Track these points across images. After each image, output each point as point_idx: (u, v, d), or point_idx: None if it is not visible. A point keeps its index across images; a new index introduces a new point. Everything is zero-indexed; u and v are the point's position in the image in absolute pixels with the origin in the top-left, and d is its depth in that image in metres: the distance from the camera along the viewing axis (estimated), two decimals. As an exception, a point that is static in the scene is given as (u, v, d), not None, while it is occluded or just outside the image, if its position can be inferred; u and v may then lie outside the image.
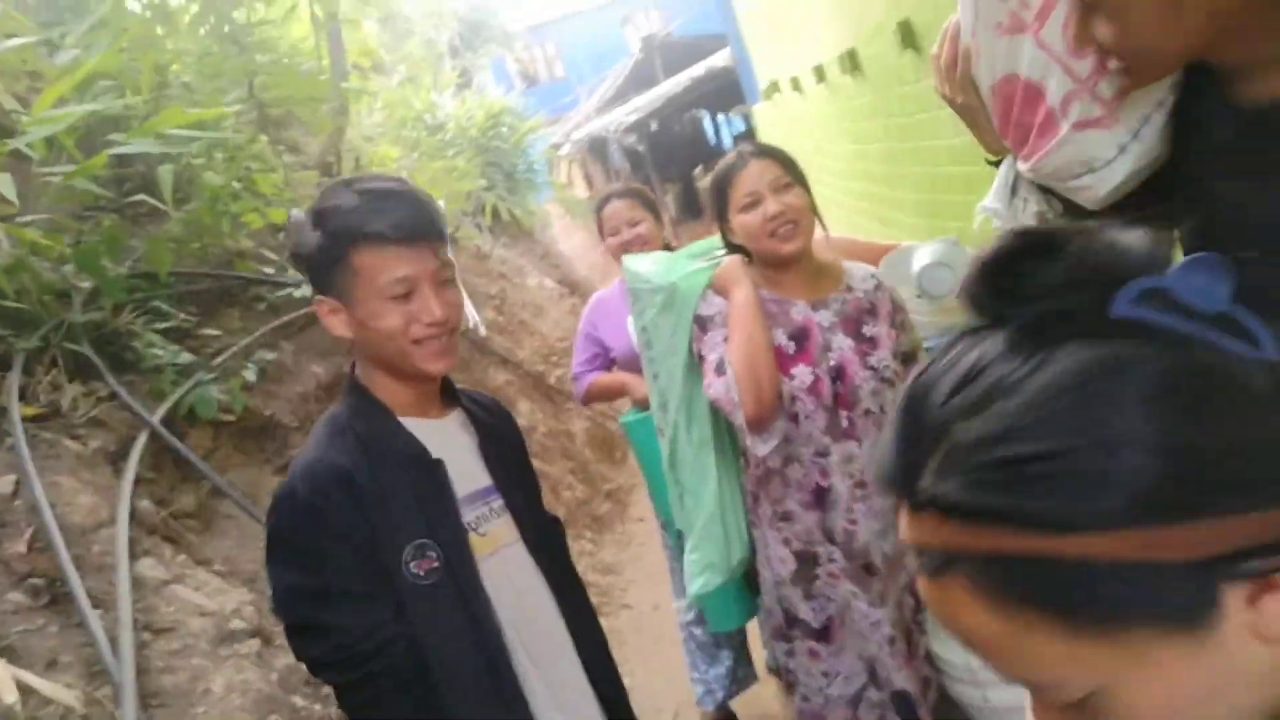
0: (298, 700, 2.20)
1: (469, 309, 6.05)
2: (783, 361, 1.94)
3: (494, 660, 1.43)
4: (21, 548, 2.10)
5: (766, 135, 10.04)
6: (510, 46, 19.49)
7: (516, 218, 9.70)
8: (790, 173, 1.93)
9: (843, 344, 1.97)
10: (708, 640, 2.83)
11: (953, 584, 0.49)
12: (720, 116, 17.49)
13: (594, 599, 4.42)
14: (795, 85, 7.34)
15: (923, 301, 2.37)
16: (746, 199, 1.92)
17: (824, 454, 1.96)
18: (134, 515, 2.43)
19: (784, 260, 1.96)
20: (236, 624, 2.27)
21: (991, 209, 1.52)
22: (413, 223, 1.37)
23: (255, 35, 4.25)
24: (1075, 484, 0.45)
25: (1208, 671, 0.47)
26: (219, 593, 2.39)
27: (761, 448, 1.94)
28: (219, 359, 3.44)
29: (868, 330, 2.00)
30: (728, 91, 12.80)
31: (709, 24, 15.19)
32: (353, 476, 1.35)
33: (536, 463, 2.37)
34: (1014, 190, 1.47)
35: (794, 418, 1.95)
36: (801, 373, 1.94)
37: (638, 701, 3.46)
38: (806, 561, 2.04)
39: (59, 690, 1.80)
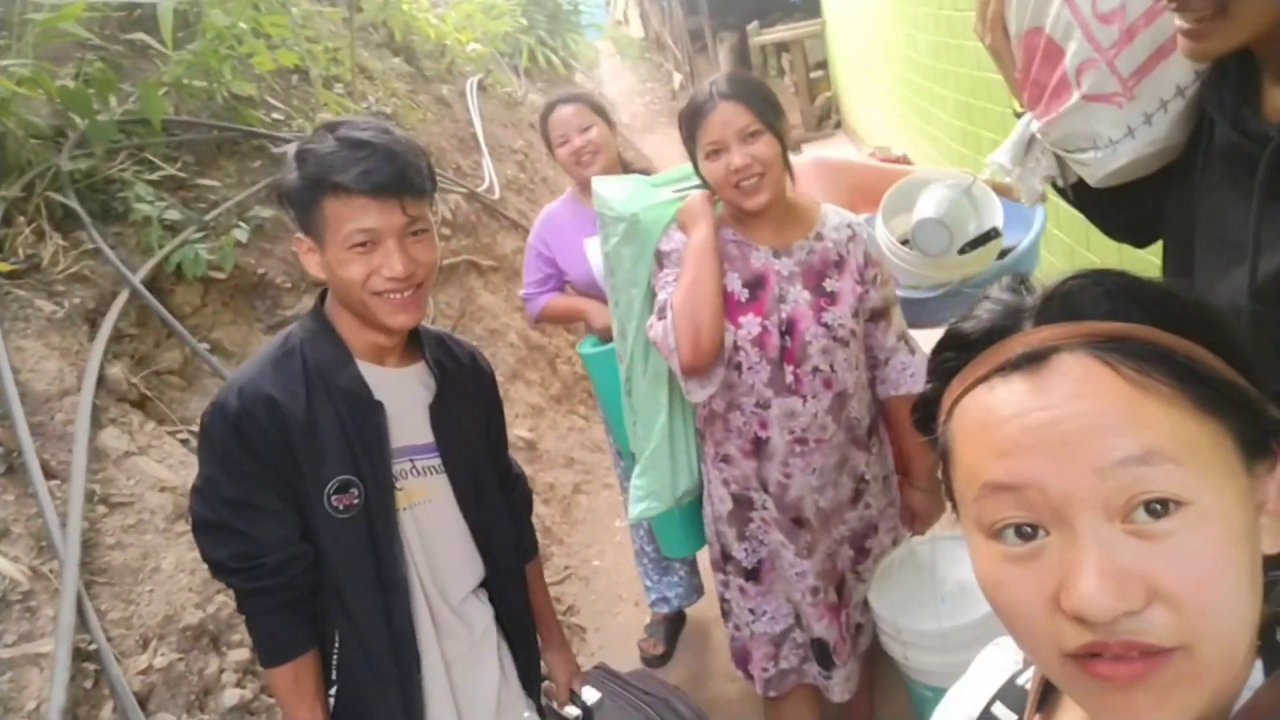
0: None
1: (486, 167, 5.91)
2: (732, 309, 1.88)
3: (389, 601, 1.49)
4: (-17, 413, 2.14)
5: (827, -5, 9.44)
6: None
7: (554, 63, 9.32)
8: (762, 118, 1.78)
9: (799, 296, 1.89)
10: (658, 556, 2.88)
11: (1072, 355, 0.53)
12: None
13: (577, 476, 4.50)
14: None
15: (914, 253, 2.25)
16: (711, 146, 1.79)
17: (764, 406, 1.92)
18: (103, 382, 2.46)
19: (747, 213, 1.85)
20: (195, 499, 2.34)
21: (999, 163, 1.42)
22: (381, 176, 1.36)
23: None
24: None
25: (1244, 519, 0.52)
26: (183, 465, 2.45)
27: (697, 394, 1.92)
28: (212, 214, 3.40)
29: (829, 284, 1.91)
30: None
31: None
32: (280, 407, 1.39)
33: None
34: (1028, 148, 1.37)
35: (737, 367, 1.91)
36: (749, 323, 1.88)
37: (596, 590, 3.61)
38: (741, 504, 2.05)
39: (3, 563, 1.87)
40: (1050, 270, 0.69)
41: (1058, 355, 0.53)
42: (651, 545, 2.86)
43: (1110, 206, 1.31)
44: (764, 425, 1.94)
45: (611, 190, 2.06)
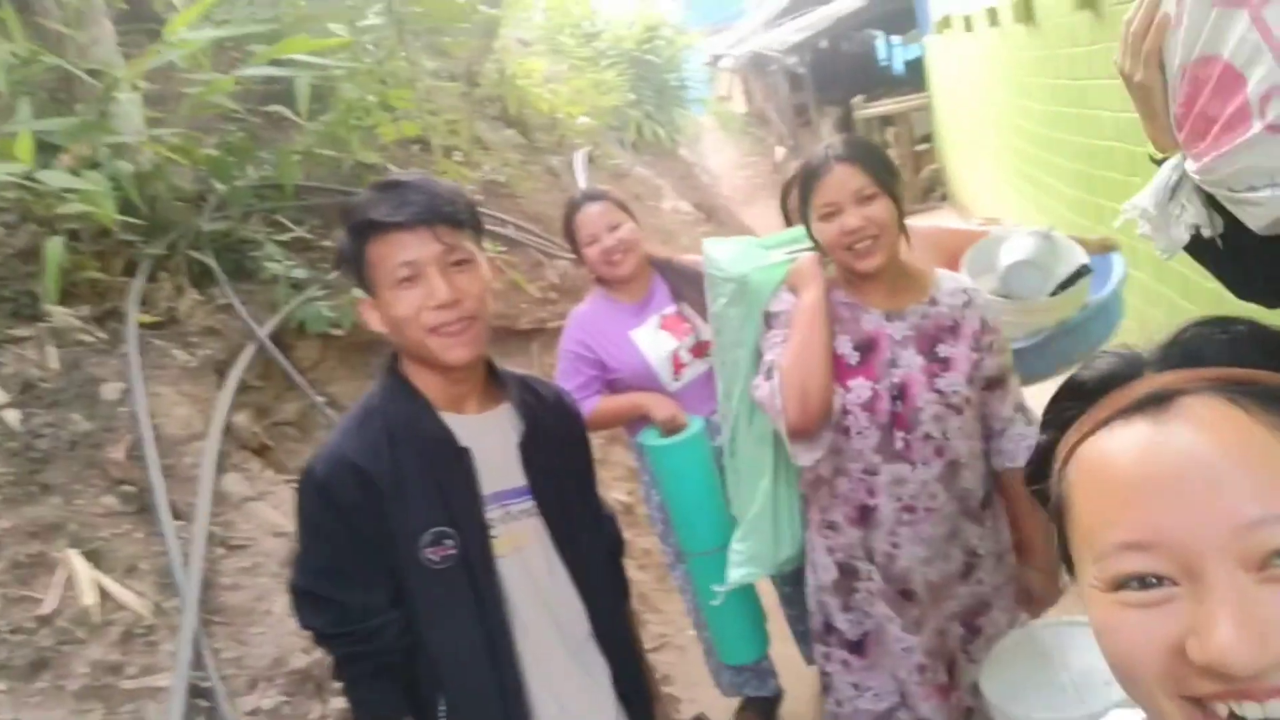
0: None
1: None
2: (841, 372, 1.85)
3: (497, 655, 1.46)
4: (120, 454, 2.27)
5: (936, 69, 9.45)
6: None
7: (660, 137, 9.56)
8: (878, 180, 1.77)
9: (912, 361, 1.84)
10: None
11: (1198, 398, 0.51)
12: (895, 39, 16.57)
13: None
14: (967, 24, 6.82)
15: (1008, 301, 2.19)
16: (826, 208, 1.79)
17: (873, 472, 1.87)
18: (228, 430, 2.58)
19: (860, 276, 1.84)
20: (307, 545, 2.41)
21: (1140, 209, 1.35)
22: (413, 207, 1.37)
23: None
24: None
25: None
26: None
27: (803, 458, 1.87)
28: (334, 274, 3.57)
29: (943, 350, 1.85)
30: (904, 15, 12.08)
31: (892, -60, 14.23)
32: (364, 470, 1.37)
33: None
34: (1173, 194, 1.30)
35: (845, 431, 1.86)
36: (859, 386, 1.84)
37: (691, 659, 3.52)
38: (847, 574, 1.98)
39: (131, 598, 1.96)
40: (1152, 325, 0.67)
41: (1183, 398, 0.51)
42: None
43: (1258, 259, 1.24)
44: (872, 492, 1.88)
45: (721, 251, 2.07)
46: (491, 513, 1.48)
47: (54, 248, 2.45)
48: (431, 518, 1.41)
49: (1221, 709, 0.48)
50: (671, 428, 2.41)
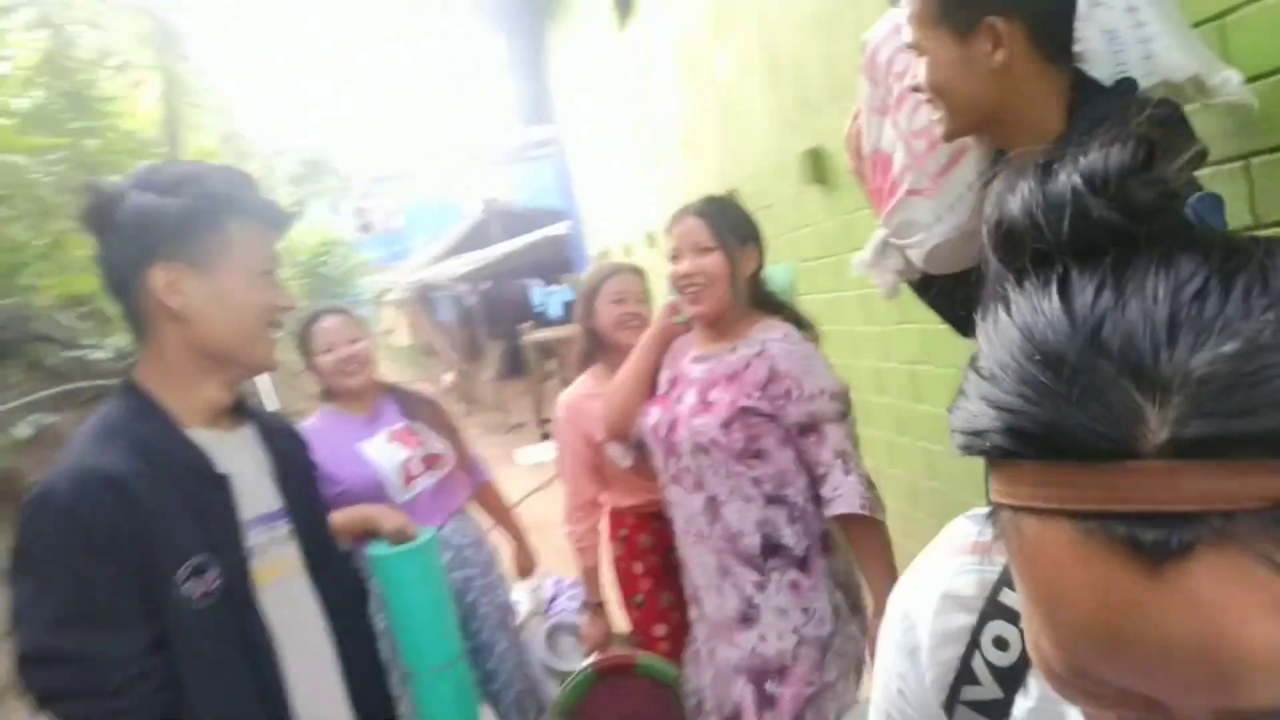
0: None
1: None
2: (652, 399, 2.18)
3: (266, 693, 1.34)
4: None
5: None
6: (349, 188, 19.65)
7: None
8: (718, 237, 2.02)
9: (688, 399, 2.04)
10: None
11: (1224, 556, 0.35)
12: (552, 286, 18.09)
13: None
14: (626, 251, 7.79)
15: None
16: (671, 252, 2.07)
17: (665, 488, 2.15)
18: None
19: (693, 318, 2.10)
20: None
21: (862, 262, 1.79)
22: (282, 214, 1.46)
23: (96, 102, 4.16)
24: None
25: None
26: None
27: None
28: (-8, 411, 3.15)
29: (713, 394, 1.99)
30: (559, 262, 13.35)
31: (546, 199, 15.95)
32: (124, 483, 1.23)
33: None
34: (882, 248, 1.74)
35: (645, 446, 2.21)
36: (653, 413, 2.13)
37: None
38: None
39: None
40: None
41: (1203, 548, 0.35)
42: None
43: (950, 296, 1.67)
44: (668, 507, 2.16)
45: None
46: (260, 536, 1.41)
47: None
48: (190, 547, 1.28)
49: None
50: (401, 538, 2.36)
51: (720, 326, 2.06)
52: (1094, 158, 0.42)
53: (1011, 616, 0.61)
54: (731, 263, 2.00)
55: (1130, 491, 0.36)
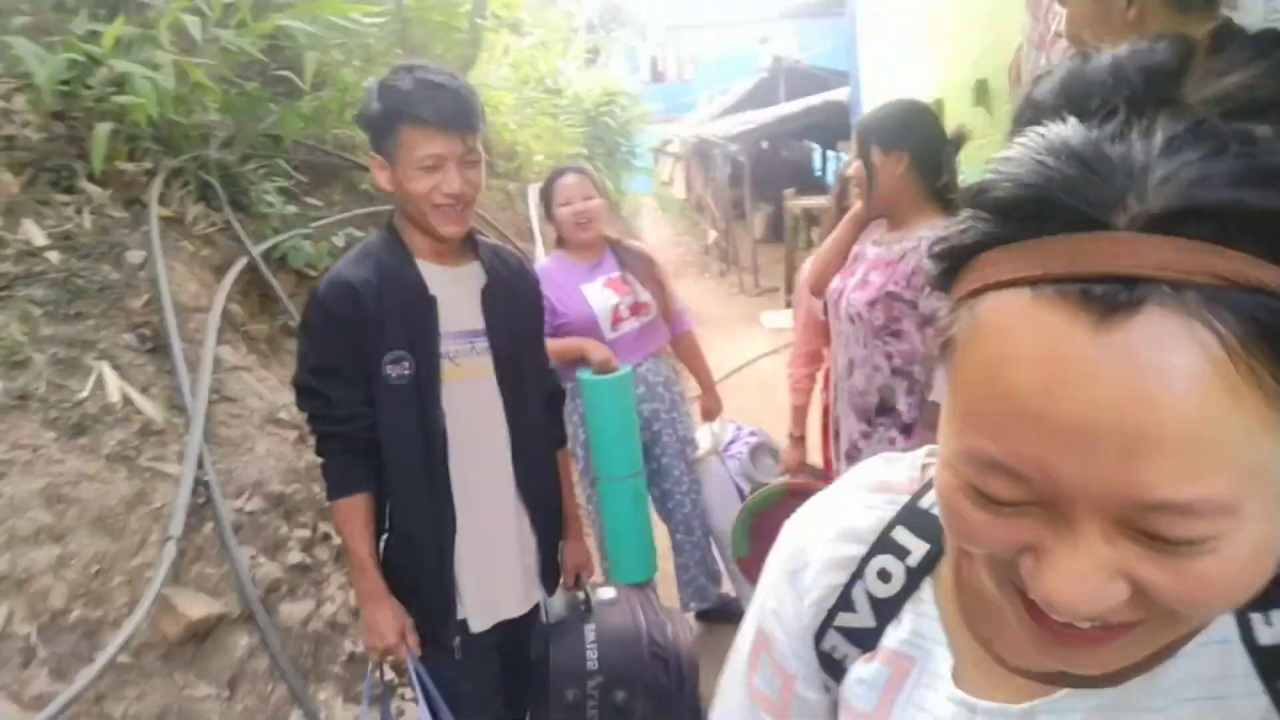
0: (315, 488, 2.68)
1: (539, 256, 6.54)
2: (842, 268, 2.46)
3: (432, 456, 1.80)
4: (138, 304, 2.62)
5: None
6: (644, 37, 20.07)
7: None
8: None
9: (857, 276, 2.33)
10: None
11: (1166, 319, 0.37)
12: (830, 152, 17.74)
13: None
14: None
15: None
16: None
17: (832, 340, 2.50)
18: (225, 313, 2.95)
19: None
20: (283, 415, 2.78)
21: None
22: (452, 112, 1.69)
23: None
24: None
25: None
26: (274, 390, 2.90)
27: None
28: (317, 223, 3.97)
29: (872, 276, 2.29)
30: (840, 128, 13.10)
31: (837, 59, 15.45)
32: (358, 291, 1.71)
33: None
34: None
35: None
36: (835, 281, 2.43)
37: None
38: None
39: (148, 405, 2.31)
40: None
41: (1148, 307, 0.37)
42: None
43: None
44: (832, 359, 2.58)
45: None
46: (453, 345, 1.82)
47: (102, 132, 2.82)
48: (396, 341, 1.74)
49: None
50: (604, 369, 2.85)
51: (895, 219, 2.27)
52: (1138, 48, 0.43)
53: (900, 552, 0.62)
54: (869, 168, 2.22)
55: (1095, 257, 0.38)
